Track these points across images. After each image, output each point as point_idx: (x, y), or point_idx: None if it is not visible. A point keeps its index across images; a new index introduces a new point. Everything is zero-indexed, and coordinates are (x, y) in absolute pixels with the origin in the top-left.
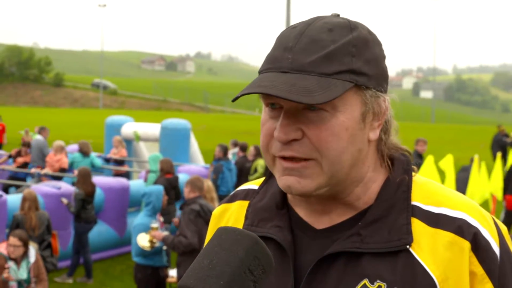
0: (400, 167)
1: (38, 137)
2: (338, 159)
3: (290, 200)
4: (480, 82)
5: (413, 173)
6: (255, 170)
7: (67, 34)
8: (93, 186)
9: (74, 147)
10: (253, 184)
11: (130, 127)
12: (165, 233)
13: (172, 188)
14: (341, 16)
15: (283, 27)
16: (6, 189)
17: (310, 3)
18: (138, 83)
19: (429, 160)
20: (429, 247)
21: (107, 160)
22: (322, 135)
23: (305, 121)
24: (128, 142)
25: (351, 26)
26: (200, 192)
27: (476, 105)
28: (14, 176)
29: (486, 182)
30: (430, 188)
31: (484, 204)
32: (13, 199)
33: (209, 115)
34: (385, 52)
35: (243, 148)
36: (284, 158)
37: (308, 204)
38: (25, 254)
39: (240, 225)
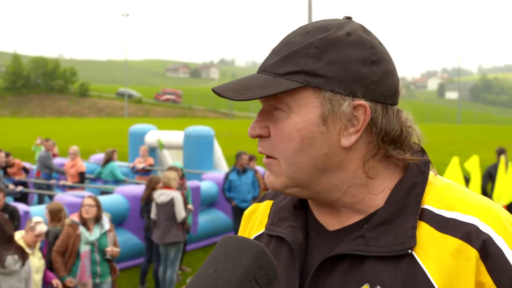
0: (415, 169)
1: (42, 149)
2: (291, 160)
3: (308, 201)
4: (506, 81)
5: (433, 175)
6: None
7: (92, 44)
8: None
9: (99, 156)
10: None
11: (153, 135)
12: None
13: None
14: (354, 19)
15: None
16: (25, 198)
17: (332, 7)
18: None
19: (454, 162)
20: (435, 254)
21: (135, 170)
22: (277, 134)
23: (272, 119)
24: (152, 150)
25: (329, 28)
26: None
27: (502, 104)
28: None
29: None
30: (447, 191)
31: None
32: (37, 210)
33: (234, 121)
34: (374, 57)
35: None
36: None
37: (316, 205)
38: (98, 219)
39: (264, 223)
